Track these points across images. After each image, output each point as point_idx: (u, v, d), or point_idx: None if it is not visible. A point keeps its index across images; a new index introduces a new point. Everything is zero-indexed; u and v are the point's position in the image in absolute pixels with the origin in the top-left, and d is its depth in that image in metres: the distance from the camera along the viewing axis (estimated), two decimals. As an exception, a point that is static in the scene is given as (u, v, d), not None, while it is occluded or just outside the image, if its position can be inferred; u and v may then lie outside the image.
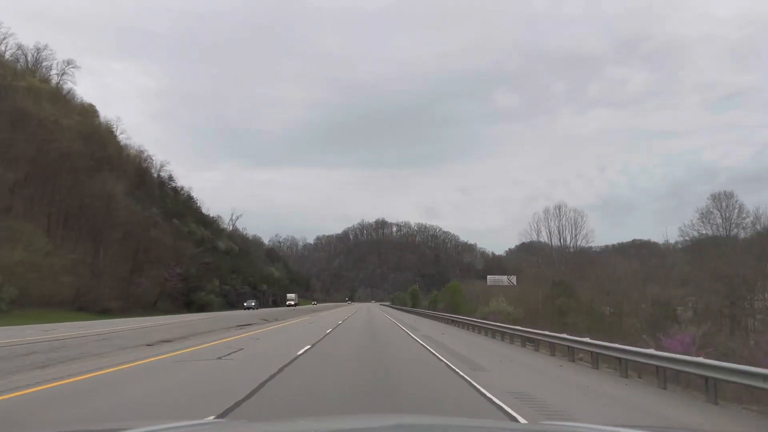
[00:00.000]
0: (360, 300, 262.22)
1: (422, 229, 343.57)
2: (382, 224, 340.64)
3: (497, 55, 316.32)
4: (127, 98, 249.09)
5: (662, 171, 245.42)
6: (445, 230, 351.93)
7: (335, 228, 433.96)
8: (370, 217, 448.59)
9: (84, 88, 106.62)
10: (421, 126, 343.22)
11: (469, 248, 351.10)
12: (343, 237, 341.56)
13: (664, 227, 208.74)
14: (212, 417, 7.59)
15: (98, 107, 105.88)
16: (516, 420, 8.30)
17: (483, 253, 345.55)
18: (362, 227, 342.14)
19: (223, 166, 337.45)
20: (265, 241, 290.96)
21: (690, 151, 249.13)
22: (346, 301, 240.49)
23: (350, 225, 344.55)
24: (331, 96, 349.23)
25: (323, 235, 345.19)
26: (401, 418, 4.19)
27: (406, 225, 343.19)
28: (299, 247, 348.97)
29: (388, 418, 4.42)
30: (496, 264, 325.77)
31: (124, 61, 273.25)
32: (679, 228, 47.94)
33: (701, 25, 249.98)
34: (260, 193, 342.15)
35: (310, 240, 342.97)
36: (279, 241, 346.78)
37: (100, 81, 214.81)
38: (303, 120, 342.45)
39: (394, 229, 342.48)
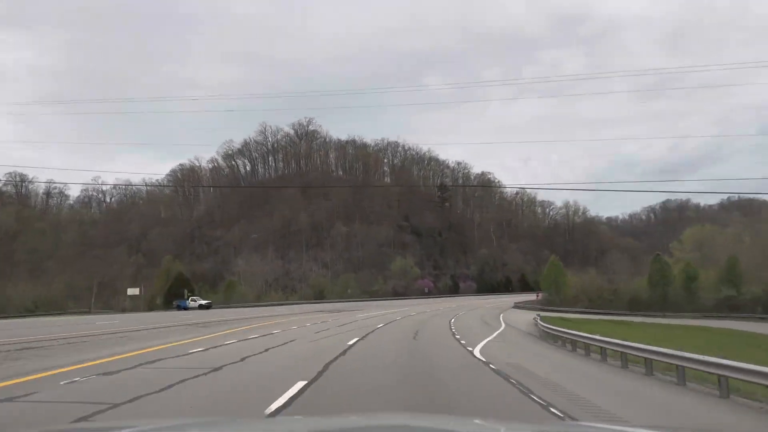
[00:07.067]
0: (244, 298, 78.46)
1: (395, 148, 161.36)
2: (308, 133, 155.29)
3: (430, 35, 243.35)
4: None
5: (584, 163, 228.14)
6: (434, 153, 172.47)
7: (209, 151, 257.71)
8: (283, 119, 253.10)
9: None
10: (350, 112, 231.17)
11: (487, 184, 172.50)
12: (223, 166, 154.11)
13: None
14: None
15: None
16: None
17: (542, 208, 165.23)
18: (262, 142, 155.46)
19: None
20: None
21: (613, 141, 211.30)
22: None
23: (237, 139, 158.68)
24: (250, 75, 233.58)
25: (178, 167, 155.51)
26: (408, 419, 3.95)
27: (358, 139, 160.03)
28: (120, 198, 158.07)
29: (396, 417, 4.20)
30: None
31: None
32: None
33: (635, 6, 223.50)
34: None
35: (144, 168, 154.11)
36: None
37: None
38: (216, 105, 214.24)
39: (334, 139, 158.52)
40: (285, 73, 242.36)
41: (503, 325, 31.12)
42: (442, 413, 7.64)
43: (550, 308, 48.97)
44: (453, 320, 33.62)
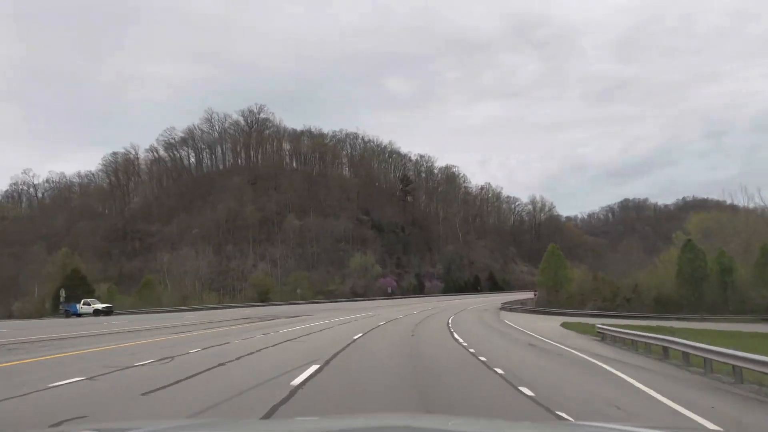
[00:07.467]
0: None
1: (353, 139, 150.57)
2: (259, 121, 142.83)
3: (390, 35, 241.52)
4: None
5: (540, 165, 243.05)
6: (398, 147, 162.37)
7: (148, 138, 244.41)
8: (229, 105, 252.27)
9: None
10: (309, 113, 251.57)
11: (452, 178, 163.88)
12: (164, 156, 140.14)
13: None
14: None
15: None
16: None
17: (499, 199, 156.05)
18: (208, 131, 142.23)
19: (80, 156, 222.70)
20: None
21: (567, 144, 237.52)
22: None
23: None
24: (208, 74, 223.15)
25: (112, 156, 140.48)
26: (409, 419, 3.86)
27: (314, 129, 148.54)
28: (54, 194, 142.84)
29: (397, 418, 4.06)
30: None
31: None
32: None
33: (591, 12, 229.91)
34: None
35: (90, 167, 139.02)
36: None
37: None
38: (172, 102, 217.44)
39: (288, 129, 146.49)
40: (241, 72, 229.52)
41: (565, 348, 17.74)
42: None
43: (556, 310, 38.64)
44: (465, 341, 18.35)
